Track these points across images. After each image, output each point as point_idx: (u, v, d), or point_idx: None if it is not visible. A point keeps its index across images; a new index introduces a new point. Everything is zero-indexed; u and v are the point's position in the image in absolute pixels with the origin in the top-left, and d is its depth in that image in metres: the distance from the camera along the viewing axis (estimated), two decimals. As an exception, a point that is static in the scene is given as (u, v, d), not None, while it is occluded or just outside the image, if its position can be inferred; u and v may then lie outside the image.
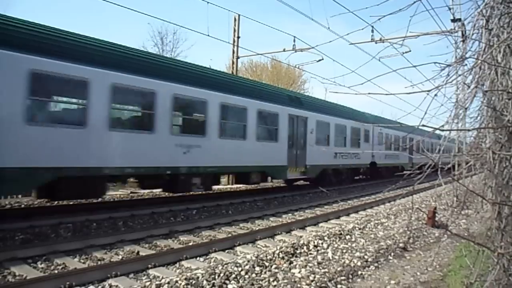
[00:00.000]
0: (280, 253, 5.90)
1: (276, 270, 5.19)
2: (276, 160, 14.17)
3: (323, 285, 4.74)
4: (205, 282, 4.58)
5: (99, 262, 5.92)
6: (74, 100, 9.41)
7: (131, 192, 13.48)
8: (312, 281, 4.81)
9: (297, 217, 10.67)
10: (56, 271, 5.44)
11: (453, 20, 12.15)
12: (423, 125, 2.14)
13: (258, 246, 7.35)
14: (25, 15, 31.21)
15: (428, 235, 7.93)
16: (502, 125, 2.21)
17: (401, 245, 6.87)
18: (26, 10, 37.51)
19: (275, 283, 4.73)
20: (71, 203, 10.56)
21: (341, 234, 7.52)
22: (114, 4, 11.35)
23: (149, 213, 9.56)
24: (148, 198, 12.35)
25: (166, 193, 13.58)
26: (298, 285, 4.66)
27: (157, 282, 4.47)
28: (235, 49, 19.47)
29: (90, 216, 8.91)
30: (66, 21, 42.41)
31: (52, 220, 8.22)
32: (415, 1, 2.68)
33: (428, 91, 2.38)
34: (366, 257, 5.99)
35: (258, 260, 5.47)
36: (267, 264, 5.44)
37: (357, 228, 8.11)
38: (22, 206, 9.88)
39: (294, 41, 17.86)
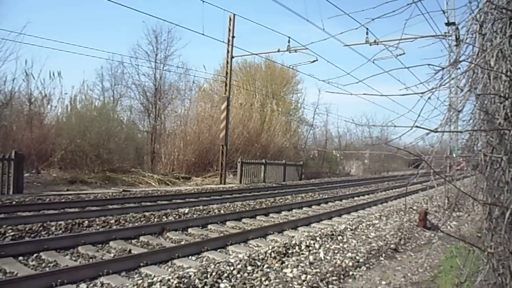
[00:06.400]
0: (272, 253, 5.92)
1: (268, 270, 5.21)
2: None
3: (314, 285, 4.76)
4: (197, 280, 4.59)
5: (90, 260, 5.90)
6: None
7: (123, 191, 13.45)
8: (303, 281, 4.83)
9: (289, 217, 10.72)
10: (47, 269, 5.42)
11: (447, 24, 12.25)
12: (417, 127, 2.17)
13: (250, 245, 7.37)
14: (16, 9, 30.95)
15: (419, 236, 7.99)
16: (494, 128, 2.25)
17: (392, 246, 6.92)
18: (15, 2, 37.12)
19: (267, 282, 4.75)
20: (62, 200, 10.53)
21: (333, 234, 7.55)
22: (109, 0, 11.29)
23: (141, 211, 9.54)
24: (140, 196, 12.33)
25: (158, 192, 13.59)
26: (290, 285, 4.68)
27: (149, 281, 4.46)
28: (230, 49, 19.48)
29: (81, 213, 8.88)
30: (61, 16, 42.09)
31: (44, 217, 8.18)
32: (410, 4, 2.71)
33: (422, 93, 2.41)
34: (357, 257, 6.02)
35: (250, 260, 5.48)
36: (259, 263, 5.45)
37: (349, 229, 8.15)
38: (13, 203, 9.80)
39: (289, 41, 17.89)
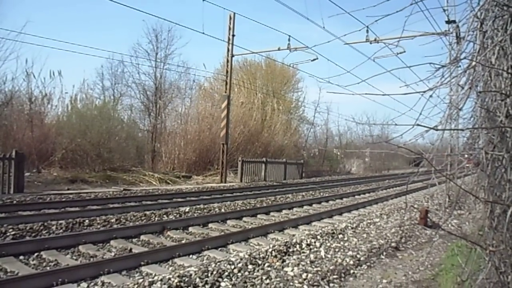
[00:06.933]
0: (273, 252, 5.92)
1: (269, 268, 5.21)
2: None
3: (315, 283, 4.76)
4: (198, 279, 4.58)
5: (91, 259, 5.90)
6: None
7: (124, 189, 13.45)
8: (304, 279, 4.82)
9: (290, 215, 10.71)
10: (48, 268, 5.42)
11: (448, 22, 12.19)
12: (417, 125, 2.16)
13: (251, 244, 7.37)
14: (16, 8, 30.93)
15: (420, 235, 7.98)
16: (495, 126, 2.24)
17: (393, 244, 6.91)
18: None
19: (267, 281, 4.75)
20: (63, 199, 10.53)
21: (333, 233, 7.55)
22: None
23: (142, 210, 9.54)
24: (141, 195, 12.33)
25: (159, 191, 13.60)
26: (291, 284, 4.68)
27: (150, 280, 4.46)
28: (230, 47, 19.45)
29: (82, 212, 8.89)
30: (61, 15, 42.05)
31: (44, 216, 8.19)
32: (412, 4, 2.70)
33: (423, 92, 2.40)
34: (358, 256, 6.01)
35: (251, 258, 5.48)
36: (260, 262, 5.45)
37: (349, 227, 8.15)
38: (14, 202, 9.80)
39: (289, 40, 17.86)
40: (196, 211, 10.05)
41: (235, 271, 5.01)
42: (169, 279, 4.46)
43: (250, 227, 8.69)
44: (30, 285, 4.53)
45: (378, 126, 44.41)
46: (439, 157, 2.85)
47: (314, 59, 18.25)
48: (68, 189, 13.11)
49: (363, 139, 44.87)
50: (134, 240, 7.19)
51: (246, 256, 5.53)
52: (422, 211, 8.89)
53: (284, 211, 11.34)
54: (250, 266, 5.23)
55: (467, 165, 2.77)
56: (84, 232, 7.13)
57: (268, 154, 24.86)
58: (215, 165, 21.24)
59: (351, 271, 5.38)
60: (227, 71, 19.83)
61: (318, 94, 47.39)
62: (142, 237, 7.34)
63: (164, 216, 9.26)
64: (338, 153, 38.94)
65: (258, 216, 10.35)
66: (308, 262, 5.55)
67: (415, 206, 11.25)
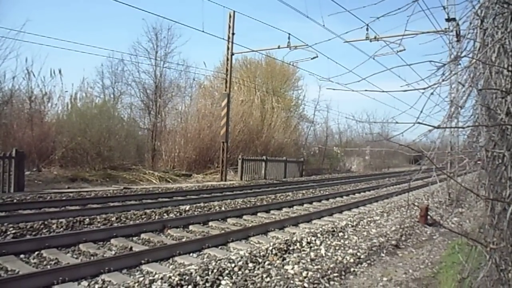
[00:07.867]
0: (273, 250, 5.92)
1: (269, 267, 5.21)
2: None
3: (316, 281, 4.76)
4: (198, 278, 4.59)
5: (92, 258, 5.91)
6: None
7: (124, 188, 13.45)
8: (305, 277, 4.83)
9: (290, 214, 10.72)
10: (48, 266, 5.42)
11: (448, 20, 12.18)
12: (419, 123, 2.16)
13: (251, 242, 7.38)
14: (16, 7, 30.89)
15: (421, 233, 7.99)
16: (496, 123, 2.24)
17: (393, 242, 6.92)
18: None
19: (268, 279, 4.75)
20: (63, 198, 10.53)
21: (334, 231, 7.55)
22: (109, -2, 11.31)
23: (142, 208, 9.54)
24: (141, 193, 12.33)
25: (159, 189, 13.60)
26: (291, 282, 4.68)
27: (151, 278, 4.47)
28: (230, 46, 19.42)
29: (82, 211, 8.89)
30: (61, 14, 41.99)
31: (45, 215, 8.19)
32: (414, 1, 2.69)
33: (423, 89, 2.40)
34: (358, 254, 6.02)
35: (251, 256, 5.49)
36: (260, 260, 5.45)
37: (350, 225, 8.15)
38: (15, 201, 9.81)
39: (289, 38, 17.83)
40: (196, 210, 10.05)
41: (236, 269, 5.01)
42: (170, 277, 4.47)
43: (250, 225, 8.70)
44: (31, 283, 4.53)
45: (378, 124, 44.41)
46: (440, 155, 2.85)
47: (314, 57, 18.22)
48: (68, 188, 13.12)
49: (363, 137, 44.85)
50: (134, 238, 7.19)
51: (247, 254, 5.53)
52: (423, 209, 8.89)
53: (284, 209, 11.35)
54: (250, 264, 5.23)
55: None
56: (85, 231, 7.12)
57: (268, 152, 24.85)
58: (215, 164, 21.24)
59: (352, 269, 5.38)
60: (227, 69, 19.81)
61: (318, 92, 47.30)
62: (142, 235, 7.34)
63: (165, 214, 9.26)
64: (338, 151, 38.91)
65: (259, 214, 10.35)
66: (309, 260, 5.56)
67: (416, 204, 11.26)
